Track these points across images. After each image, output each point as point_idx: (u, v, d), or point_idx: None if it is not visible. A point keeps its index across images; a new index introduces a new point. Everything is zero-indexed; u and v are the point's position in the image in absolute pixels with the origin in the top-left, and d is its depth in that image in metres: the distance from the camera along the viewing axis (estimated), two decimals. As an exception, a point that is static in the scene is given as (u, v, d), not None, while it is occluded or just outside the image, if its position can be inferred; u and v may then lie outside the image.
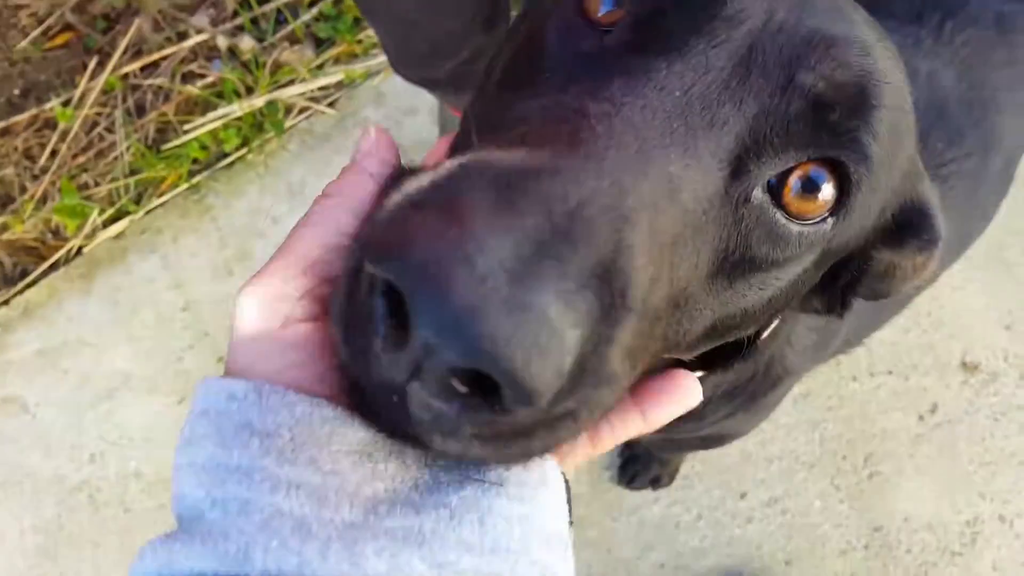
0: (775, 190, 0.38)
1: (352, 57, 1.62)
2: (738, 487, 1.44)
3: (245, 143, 1.58)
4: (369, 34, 1.62)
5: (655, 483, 1.43)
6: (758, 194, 0.38)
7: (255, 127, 1.59)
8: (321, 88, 1.59)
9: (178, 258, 1.57)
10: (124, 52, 1.61)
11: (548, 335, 0.27)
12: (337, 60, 1.61)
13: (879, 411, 1.46)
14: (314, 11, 1.61)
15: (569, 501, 0.37)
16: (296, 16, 1.61)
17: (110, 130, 1.60)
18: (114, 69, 1.61)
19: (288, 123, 1.59)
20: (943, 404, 1.47)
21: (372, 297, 0.29)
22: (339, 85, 1.61)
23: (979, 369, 1.48)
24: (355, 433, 0.32)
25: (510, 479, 0.33)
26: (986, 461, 1.45)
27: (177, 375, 1.52)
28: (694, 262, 0.37)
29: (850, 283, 0.49)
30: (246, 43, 1.59)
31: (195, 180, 1.58)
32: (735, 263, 0.39)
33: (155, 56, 1.61)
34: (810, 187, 0.38)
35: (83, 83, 1.60)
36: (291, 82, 1.59)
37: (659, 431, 0.88)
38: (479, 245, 0.26)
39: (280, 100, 1.58)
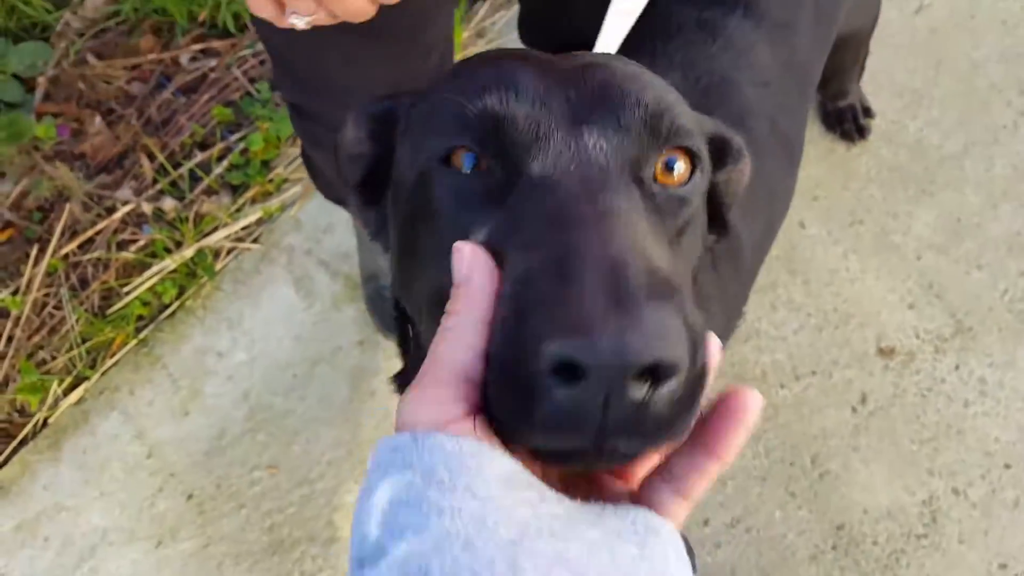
0: (656, 178, 0.52)
1: (267, 195, 1.72)
2: (699, 515, 1.44)
3: (182, 292, 1.66)
4: (279, 172, 1.73)
5: None
6: (653, 185, 0.51)
7: (189, 275, 1.66)
8: (243, 228, 1.68)
9: (137, 409, 1.61)
10: (61, 235, 1.71)
11: (676, 335, 0.37)
12: (254, 200, 1.71)
13: (813, 411, 1.48)
14: (224, 163, 1.73)
15: (690, 553, 0.41)
16: (209, 172, 1.72)
17: (58, 307, 1.68)
18: (54, 252, 1.70)
19: (218, 265, 1.67)
20: (871, 392, 1.49)
21: (541, 374, 0.37)
22: (259, 221, 1.70)
23: (895, 351, 1.51)
24: (500, 463, 0.37)
25: (627, 528, 0.39)
26: (925, 438, 1.45)
27: (152, 519, 1.53)
28: (664, 240, 0.49)
29: (715, 206, 0.64)
30: (168, 204, 1.69)
31: (142, 335, 1.64)
32: (674, 233, 0.52)
33: (89, 233, 1.71)
34: (671, 165, 0.52)
35: (28, 270, 1.69)
36: (215, 229, 1.68)
37: None
38: (630, 320, 0.36)
39: (207, 247, 1.67)
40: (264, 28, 0.90)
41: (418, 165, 0.54)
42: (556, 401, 0.36)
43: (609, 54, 0.60)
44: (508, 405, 0.39)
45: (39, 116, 1.81)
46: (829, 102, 1.59)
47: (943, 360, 1.49)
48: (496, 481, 0.36)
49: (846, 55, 1.35)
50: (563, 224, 0.42)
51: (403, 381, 0.80)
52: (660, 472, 0.43)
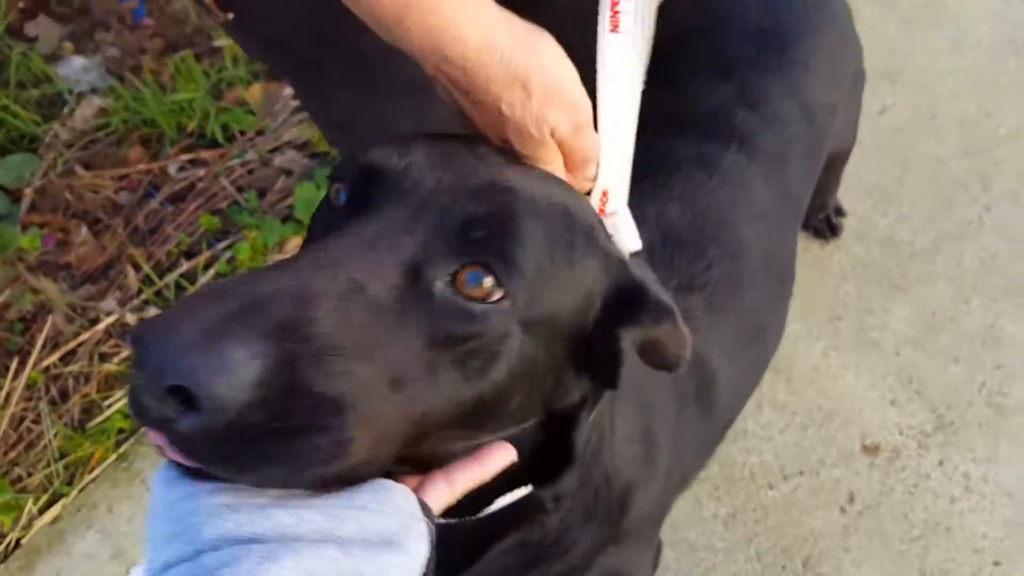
0: (455, 284, 0.51)
1: (252, 302, 1.72)
2: (694, 624, 1.41)
3: (165, 402, 1.63)
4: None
5: None
6: (440, 286, 0.50)
7: (172, 386, 1.65)
8: (228, 336, 1.68)
9: (115, 527, 1.56)
10: (43, 347, 1.69)
11: (223, 360, 0.39)
12: (239, 308, 1.71)
13: (803, 512, 1.47)
14: (211, 272, 1.73)
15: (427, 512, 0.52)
16: (195, 281, 1.72)
17: (37, 421, 1.65)
18: (35, 365, 1.68)
19: (202, 375, 1.65)
20: (859, 491, 1.48)
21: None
22: (244, 329, 1.69)
23: (880, 449, 1.51)
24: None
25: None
26: (915, 537, 1.44)
27: (127, 648, 1.47)
28: (401, 341, 0.48)
29: (610, 358, 0.59)
30: (152, 313, 1.69)
31: (122, 449, 1.61)
32: (446, 342, 0.50)
33: (72, 345, 1.69)
34: (473, 280, 0.51)
35: (7, 384, 1.66)
36: (199, 337, 1.67)
37: None
38: (184, 319, 0.40)
39: (191, 356, 1.65)
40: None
41: None
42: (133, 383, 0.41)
43: (533, 175, 0.59)
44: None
45: (24, 227, 1.81)
46: (810, 216, 1.63)
47: (927, 456, 1.50)
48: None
49: (829, 176, 1.40)
50: (284, 265, 0.47)
51: None
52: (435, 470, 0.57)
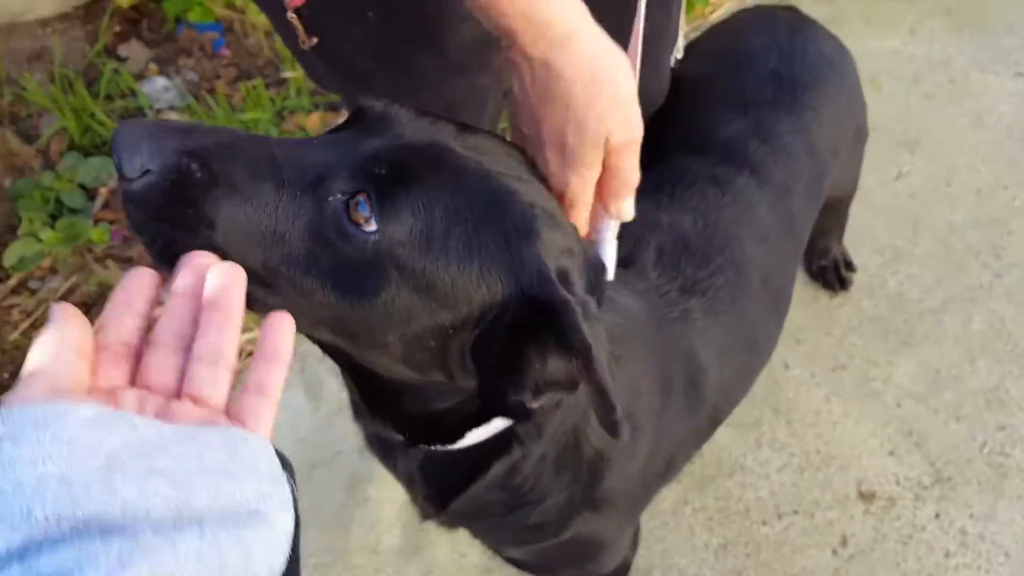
0: (347, 205, 0.56)
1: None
2: (677, 651, 1.42)
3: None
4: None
5: None
6: (336, 199, 0.56)
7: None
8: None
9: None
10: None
11: (137, 148, 0.52)
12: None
13: (794, 551, 1.49)
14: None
15: (287, 467, 0.47)
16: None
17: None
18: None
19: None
20: (852, 535, 1.49)
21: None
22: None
23: (876, 496, 1.53)
24: (84, 409, 0.41)
25: (217, 439, 0.44)
26: (906, 586, 1.45)
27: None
28: (285, 216, 0.55)
29: (515, 372, 0.58)
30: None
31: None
32: (323, 243, 0.56)
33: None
34: (359, 208, 0.56)
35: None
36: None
37: (522, 542, 0.95)
38: (145, 126, 0.55)
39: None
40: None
41: None
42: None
43: (507, 165, 0.62)
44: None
45: (95, 222, 1.98)
46: (815, 259, 1.70)
47: (923, 508, 1.51)
48: (81, 424, 0.40)
49: (830, 219, 1.48)
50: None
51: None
52: (242, 390, 0.49)
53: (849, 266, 1.75)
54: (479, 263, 0.57)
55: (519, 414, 0.63)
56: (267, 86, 2.13)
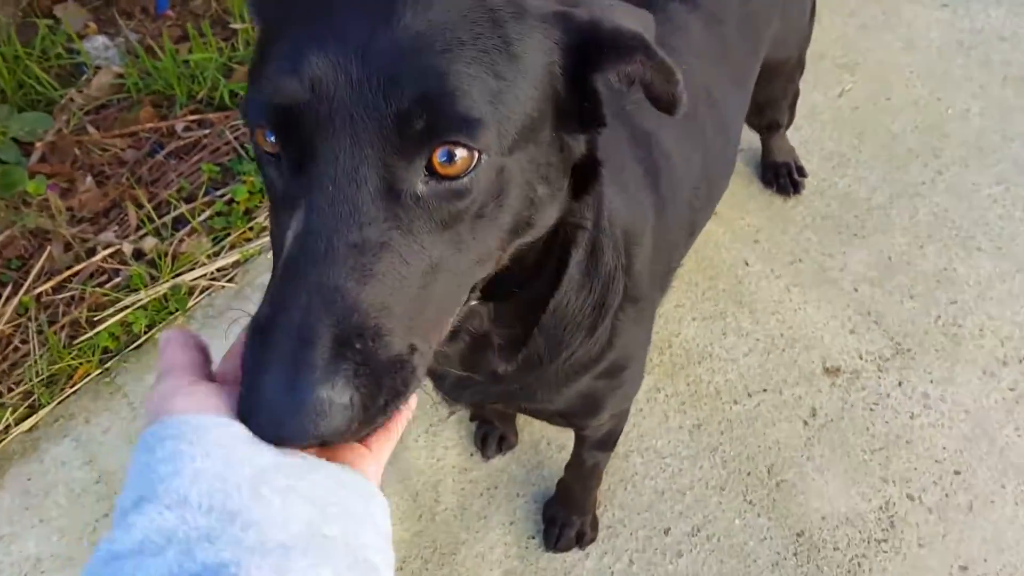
0: (434, 175, 0.56)
1: (246, 240, 1.97)
2: (660, 524, 1.55)
3: (152, 326, 1.85)
4: (259, 220, 2.00)
5: (580, 540, 1.53)
6: (422, 187, 0.56)
7: (162, 310, 1.87)
8: (219, 269, 1.92)
9: (91, 436, 1.73)
10: (38, 277, 1.93)
11: (319, 410, 0.50)
12: (233, 245, 1.96)
13: (766, 425, 1.65)
14: (209, 211, 2.00)
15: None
16: (194, 217, 1.99)
17: (25, 341, 1.85)
18: (27, 291, 1.90)
19: (192, 302, 1.88)
20: (821, 407, 1.67)
21: None
22: (236, 264, 1.94)
23: (840, 371, 1.71)
24: (238, 427, 0.50)
25: (350, 479, 0.52)
26: (876, 448, 1.62)
27: (92, 546, 1.60)
28: (422, 249, 0.56)
29: (590, 103, 0.66)
30: (149, 243, 1.94)
31: (107, 366, 1.81)
32: (456, 218, 0.58)
33: (67, 274, 1.93)
34: (447, 159, 0.56)
35: None
36: (191, 268, 1.91)
37: (572, 380, 1.04)
38: (261, 390, 0.51)
39: (183, 283, 1.89)
40: None
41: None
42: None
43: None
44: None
45: (31, 175, 2.09)
46: (768, 144, 1.92)
47: (886, 377, 1.70)
48: (236, 437, 0.49)
49: (776, 84, 1.68)
50: (295, 272, 0.53)
51: None
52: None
53: (801, 171, 1.97)
54: (534, 60, 0.61)
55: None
56: (215, 35, 2.31)
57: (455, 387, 1.00)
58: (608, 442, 1.38)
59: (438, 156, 0.55)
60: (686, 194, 1.19)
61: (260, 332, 0.53)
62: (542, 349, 0.91)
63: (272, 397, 0.50)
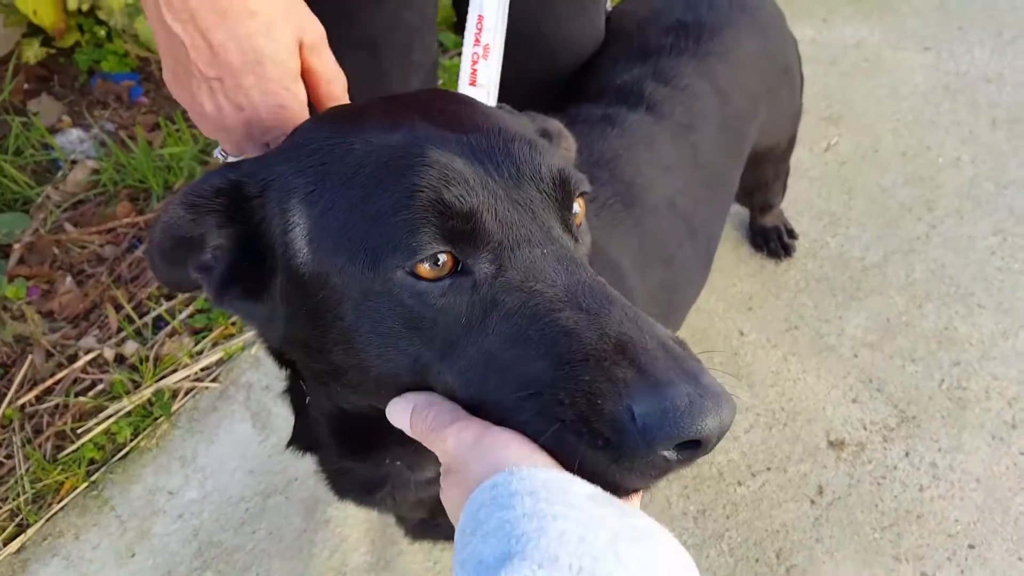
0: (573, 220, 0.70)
1: (228, 336, 1.99)
2: (667, 620, 1.55)
3: (137, 433, 1.86)
4: (241, 315, 2.01)
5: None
6: (571, 223, 0.69)
7: (146, 416, 1.88)
8: (203, 368, 1.93)
9: (80, 554, 1.73)
10: (20, 386, 1.94)
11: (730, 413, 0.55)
12: (215, 342, 1.98)
13: (772, 507, 1.65)
14: (189, 309, 2.02)
15: None
16: (174, 316, 2.00)
17: (9, 456, 1.86)
18: (10, 403, 1.92)
19: (176, 405, 1.89)
20: (827, 484, 1.67)
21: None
22: (219, 362, 1.95)
23: (845, 444, 1.72)
24: (583, 486, 0.53)
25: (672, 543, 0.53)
26: (886, 525, 1.62)
27: (84, 673, 1.59)
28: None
29: None
30: (130, 348, 1.95)
31: (93, 478, 1.81)
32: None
33: (49, 383, 1.94)
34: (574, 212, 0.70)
35: (-18, 420, 1.89)
36: (175, 370, 1.93)
37: None
38: (703, 381, 0.55)
39: (166, 387, 1.90)
40: None
41: (364, 273, 0.62)
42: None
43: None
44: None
45: (11, 279, 2.12)
46: (758, 216, 1.94)
47: (892, 448, 1.70)
48: (587, 498, 0.51)
49: (766, 168, 1.71)
50: (591, 318, 0.57)
51: (300, 443, 0.98)
52: None
53: (791, 234, 1.99)
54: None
55: None
56: (189, 126, 2.34)
57: (420, 528, 1.02)
58: None
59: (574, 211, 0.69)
60: (639, 304, 1.20)
61: (622, 352, 0.55)
62: None
63: (714, 387, 0.53)
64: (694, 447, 0.53)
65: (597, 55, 1.41)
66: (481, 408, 0.60)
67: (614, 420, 0.53)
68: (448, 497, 0.59)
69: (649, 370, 0.53)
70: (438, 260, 0.60)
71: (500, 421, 0.58)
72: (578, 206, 0.68)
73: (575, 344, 0.56)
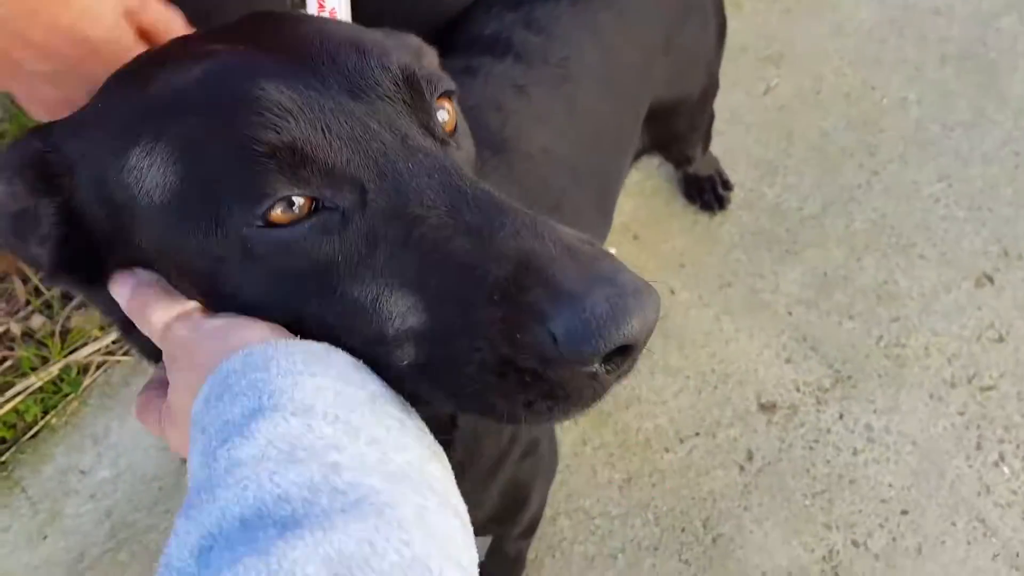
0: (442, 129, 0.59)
1: (141, 307, 1.80)
2: (590, 595, 1.41)
3: (47, 411, 1.69)
4: (155, 284, 1.82)
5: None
6: (439, 133, 0.57)
7: (55, 393, 1.70)
8: (113, 341, 1.75)
9: (-13, 540, 1.58)
10: (-75, 364, 1.75)
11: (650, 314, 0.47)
12: (128, 314, 1.79)
13: (700, 474, 1.50)
14: (100, 278, 1.82)
15: None
16: (83, 286, 1.81)
17: (-86, 438, 1.69)
18: (-85, 382, 1.73)
19: (86, 381, 1.71)
20: (757, 449, 1.52)
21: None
22: (132, 334, 1.76)
23: (777, 406, 1.56)
24: (345, 355, 0.49)
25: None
26: (817, 491, 1.47)
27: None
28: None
29: None
30: (37, 322, 1.76)
31: (2, 459, 1.65)
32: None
33: (-46, 359, 1.75)
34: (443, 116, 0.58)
35: None
36: (84, 343, 1.74)
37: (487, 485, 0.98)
38: (617, 277, 0.47)
39: (75, 362, 1.72)
40: None
41: (214, 232, 0.50)
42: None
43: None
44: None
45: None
46: (684, 170, 1.74)
47: (826, 411, 1.55)
48: (346, 364, 0.49)
49: (677, 121, 1.49)
50: (477, 234, 0.48)
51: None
52: None
53: (726, 184, 1.80)
54: None
55: None
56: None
57: None
58: (531, 528, 1.25)
59: (438, 118, 0.59)
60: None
61: (526, 269, 0.47)
62: (461, 457, 0.83)
63: (633, 282, 0.46)
64: (624, 352, 0.46)
65: (473, 3, 1.20)
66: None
67: (538, 351, 0.45)
68: (175, 388, 0.52)
69: (559, 283, 0.45)
70: (292, 203, 0.49)
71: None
72: (447, 110, 0.58)
73: (477, 281, 0.47)
